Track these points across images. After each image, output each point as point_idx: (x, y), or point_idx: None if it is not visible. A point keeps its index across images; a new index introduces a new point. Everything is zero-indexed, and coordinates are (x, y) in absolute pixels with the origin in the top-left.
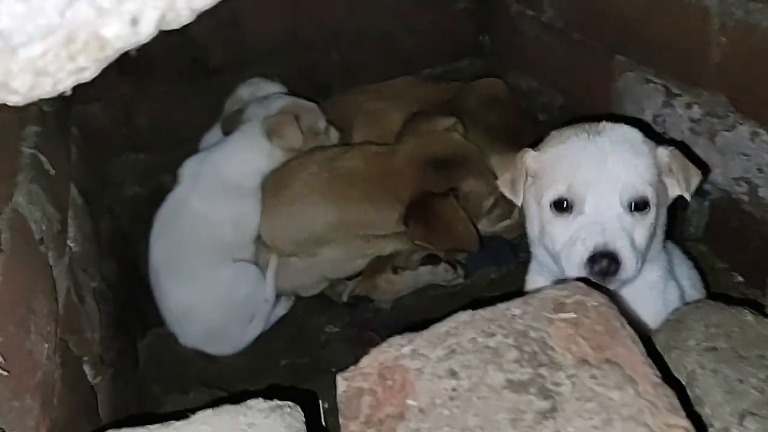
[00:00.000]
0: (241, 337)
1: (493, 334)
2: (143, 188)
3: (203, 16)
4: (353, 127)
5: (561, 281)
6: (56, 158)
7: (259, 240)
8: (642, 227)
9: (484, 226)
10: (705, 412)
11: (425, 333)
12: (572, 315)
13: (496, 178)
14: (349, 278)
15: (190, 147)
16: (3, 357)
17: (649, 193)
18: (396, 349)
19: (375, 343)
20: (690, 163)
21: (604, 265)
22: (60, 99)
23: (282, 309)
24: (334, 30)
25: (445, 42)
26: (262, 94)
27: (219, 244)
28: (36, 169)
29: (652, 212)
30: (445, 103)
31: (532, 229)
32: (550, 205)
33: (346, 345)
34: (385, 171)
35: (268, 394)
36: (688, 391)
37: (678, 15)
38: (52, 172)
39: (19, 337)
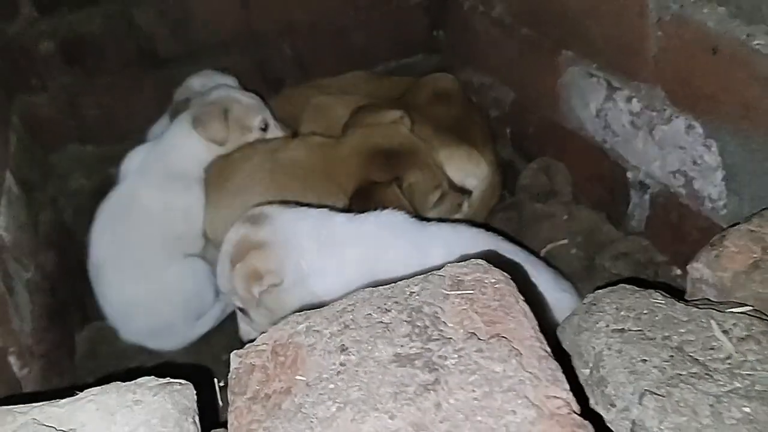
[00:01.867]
0: (187, 334)
1: (388, 310)
2: (89, 180)
3: (151, 5)
4: (301, 120)
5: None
6: None
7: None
8: None
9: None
10: (608, 391)
11: (323, 310)
12: (469, 292)
13: (443, 172)
14: None
15: (138, 139)
16: None
17: None
18: (292, 327)
19: None
20: None
21: None
22: None
23: (230, 306)
24: (286, 24)
25: (399, 37)
26: (212, 86)
27: (169, 237)
28: None
29: None
30: (395, 99)
31: None
32: None
33: None
34: (329, 161)
35: (163, 372)
36: (594, 371)
37: (617, 10)
38: None
39: None
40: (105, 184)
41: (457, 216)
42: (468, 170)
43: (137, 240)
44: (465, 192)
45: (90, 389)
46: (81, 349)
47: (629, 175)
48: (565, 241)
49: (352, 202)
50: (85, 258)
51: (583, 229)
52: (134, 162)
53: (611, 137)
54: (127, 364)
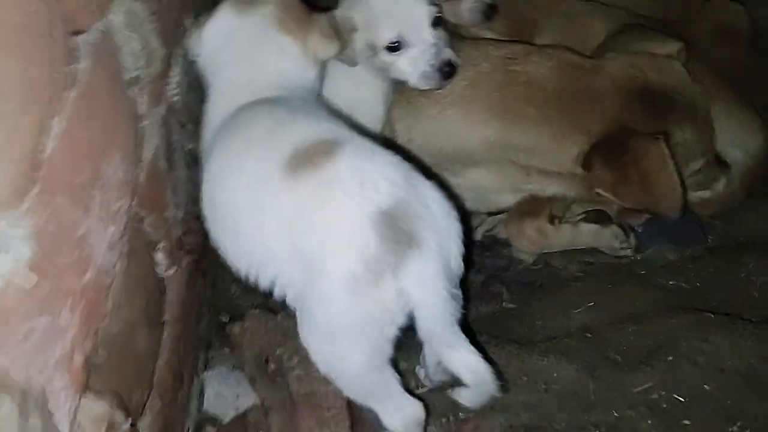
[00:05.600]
0: None
1: None
2: None
3: None
4: (540, 30)
5: None
6: None
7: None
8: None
9: None
10: None
11: None
12: None
13: (714, 135)
14: (490, 213)
15: None
16: (39, 246)
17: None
18: None
19: (501, 300)
20: None
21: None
22: None
23: None
24: None
25: None
26: None
27: None
28: None
29: None
30: (666, 24)
31: None
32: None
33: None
34: (579, 90)
35: None
36: None
37: None
38: None
39: (70, 216)
40: None
41: (706, 194)
42: (739, 139)
43: None
44: (725, 166)
45: None
46: None
47: None
48: None
49: (598, 150)
50: None
51: None
52: None
53: None
54: None
